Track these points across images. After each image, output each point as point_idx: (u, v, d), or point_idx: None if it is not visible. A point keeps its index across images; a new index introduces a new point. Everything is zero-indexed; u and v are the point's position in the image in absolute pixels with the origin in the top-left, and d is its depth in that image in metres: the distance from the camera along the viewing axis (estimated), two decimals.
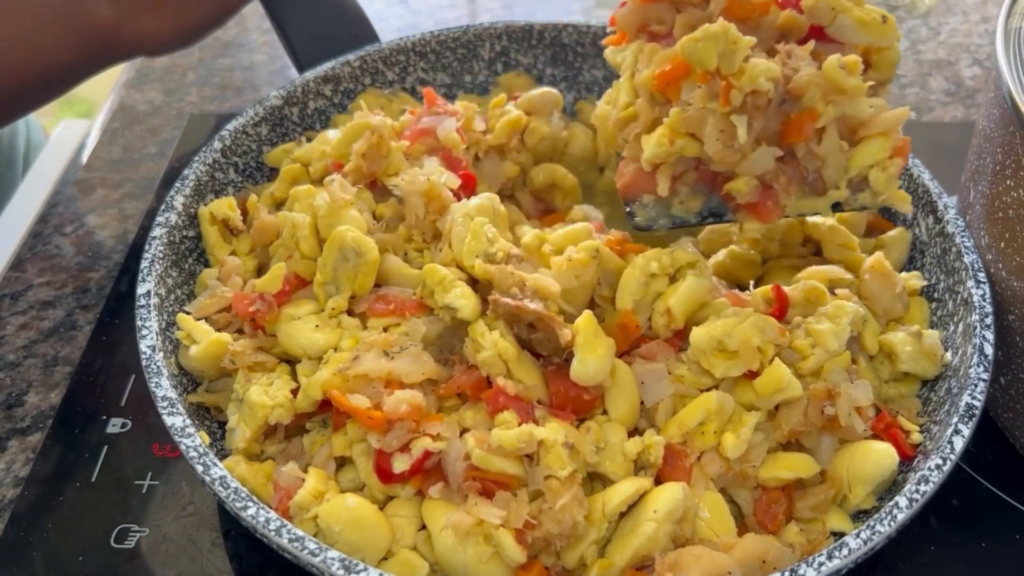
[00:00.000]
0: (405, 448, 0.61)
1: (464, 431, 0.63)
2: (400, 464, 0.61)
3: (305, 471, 0.64)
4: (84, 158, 1.06)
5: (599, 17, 1.28)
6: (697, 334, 0.65)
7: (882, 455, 0.64)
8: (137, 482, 0.73)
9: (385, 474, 0.61)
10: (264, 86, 1.19)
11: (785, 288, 0.70)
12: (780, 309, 0.69)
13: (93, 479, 0.74)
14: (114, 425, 0.77)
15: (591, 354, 0.63)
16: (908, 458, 0.65)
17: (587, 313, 0.64)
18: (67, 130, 1.17)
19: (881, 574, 0.69)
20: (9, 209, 1.05)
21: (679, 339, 0.68)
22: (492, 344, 0.63)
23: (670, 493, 0.61)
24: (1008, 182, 0.68)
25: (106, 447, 0.76)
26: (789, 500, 0.64)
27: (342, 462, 0.65)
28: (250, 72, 1.21)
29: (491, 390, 0.63)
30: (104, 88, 1.20)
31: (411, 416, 0.61)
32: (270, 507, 0.60)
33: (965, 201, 0.77)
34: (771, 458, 0.65)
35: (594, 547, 0.61)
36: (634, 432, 0.65)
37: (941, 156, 1.02)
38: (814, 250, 0.78)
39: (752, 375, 0.65)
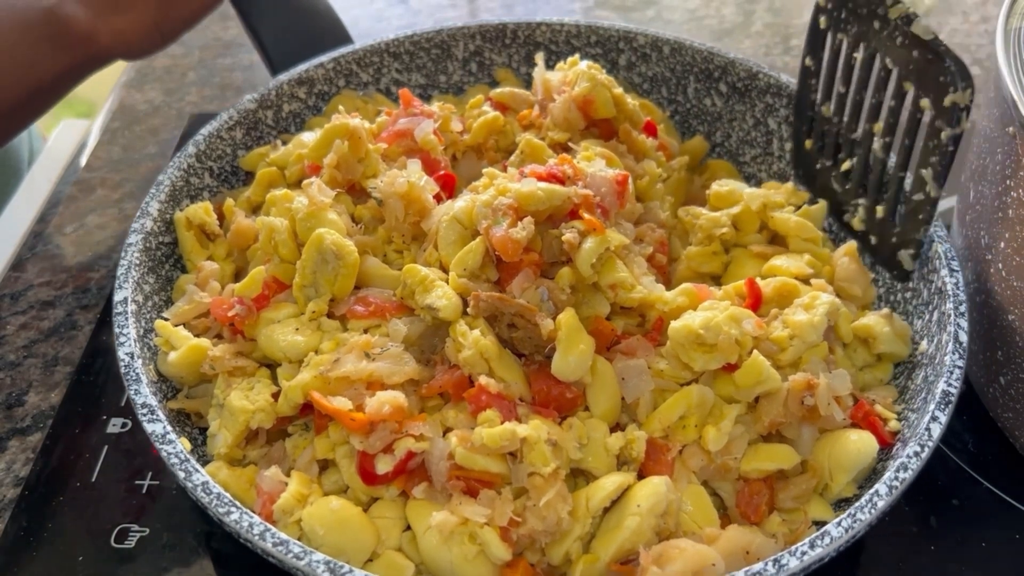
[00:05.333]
0: (388, 449, 0.58)
1: (447, 431, 0.60)
2: (383, 465, 0.58)
3: (288, 475, 0.60)
4: (84, 158, 1.02)
5: (599, 17, 1.28)
6: (675, 328, 0.62)
7: (861, 443, 0.62)
8: (137, 482, 0.70)
9: (368, 476, 0.59)
10: (264, 86, 1.19)
11: (758, 282, 0.67)
12: (754, 304, 0.66)
13: (93, 479, 0.70)
14: (114, 425, 0.74)
15: (572, 349, 0.60)
16: (887, 445, 0.63)
17: (569, 310, 0.61)
18: (67, 130, 1.12)
19: (881, 574, 0.66)
20: (9, 209, 1.00)
21: (658, 334, 0.65)
22: (473, 343, 0.60)
23: (653, 487, 0.58)
24: (1008, 182, 0.65)
25: (106, 447, 0.73)
26: (771, 491, 0.62)
27: (325, 465, 0.62)
28: (250, 72, 1.17)
29: (473, 389, 0.60)
30: (104, 88, 1.16)
31: (394, 417, 0.58)
32: (253, 512, 0.57)
33: (965, 201, 0.73)
34: (752, 450, 0.63)
35: (579, 543, 0.58)
36: (616, 428, 0.63)
37: None
38: (770, 237, 0.75)
39: (731, 368, 0.62)
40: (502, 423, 0.59)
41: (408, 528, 0.60)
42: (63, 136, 1.12)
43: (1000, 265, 0.67)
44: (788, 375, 0.63)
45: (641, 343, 0.64)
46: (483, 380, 0.60)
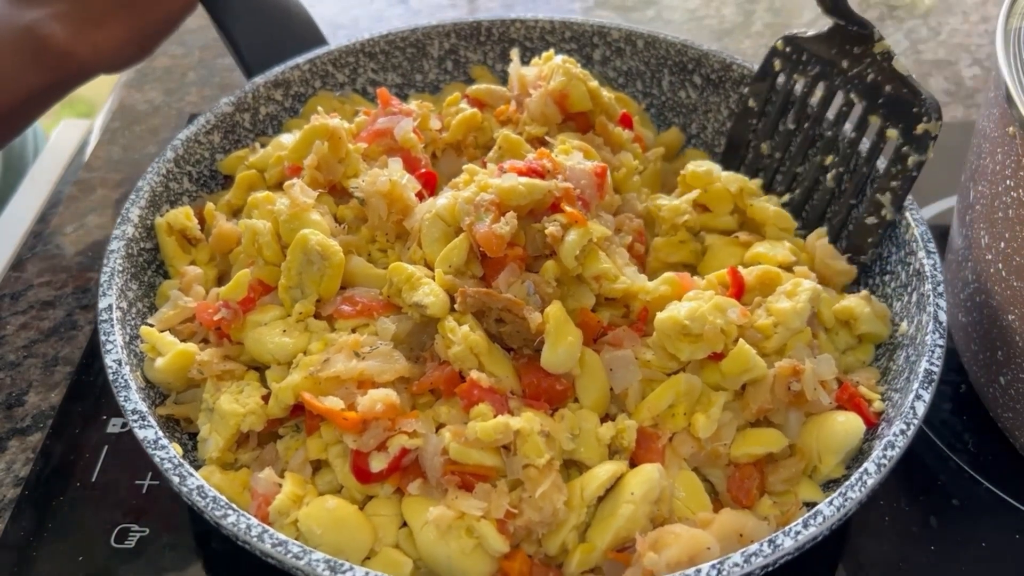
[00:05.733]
0: (382, 447, 0.56)
1: (440, 427, 0.58)
2: (378, 463, 0.56)
3: (281, 476, 0.58)
4: (84, 158, 1.00)
5: (598, 17, 1.28)
6: (661, 320, 0.60)
7: (848, 424, 0.60)
8: (137, 482, 0.68)
9: (363, 474, 0.57)
10: (240, 89, 1.18)
11: (740, 271, 0.65)
12: (737, 292, 0.65)
13: (93, 479, 0.68)
14: (114, 425, 0.72)
15: (561, 341, 0.58)
16: (872, 426, 0.61)
17: (556, 303, 0.60)
18: (67, 130, 1.10)
19: (882, 574, 0.65)
20: (9, 209, 0.98)
21: (643, 324, 0.63)
22: (463, 338, 0.58)
23: (646, 475, 0.57)
24: (1008, 182, 0.63)
25: (106, 447, 0.71)
26: (761, 475, 0.61)
27: (318, 466, 0.59)
28: None
29: (465, 384, 0.58)
30: (104, 88, 1.13)
31: (386, 415, 0.57)
32: (249, 514, 0.55)
33: (965, 201, 0.71)
34: (741, 435, 0.61)
35: (575, 532, 0.57)
36: (606, 418, 0.61)
37: (941, 156, 0.98)
38: (740, 223, 0.73)
39: (718, 357, 0.60)
40: (494, 417, 0.57)
41: (404, 525, 0.57)
42: (63, 136, 1.10)
43: (1000, 265, 0.66)
44: (774, 362, 0.61)
45: (627, 334, 0.62)
46: (474, 375, 0.58)
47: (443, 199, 0.63)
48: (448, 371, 0.60)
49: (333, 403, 0.58)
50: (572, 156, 0.67)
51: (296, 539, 0.54)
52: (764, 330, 0.63)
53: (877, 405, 0.63)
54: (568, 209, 0.62)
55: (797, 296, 0.64)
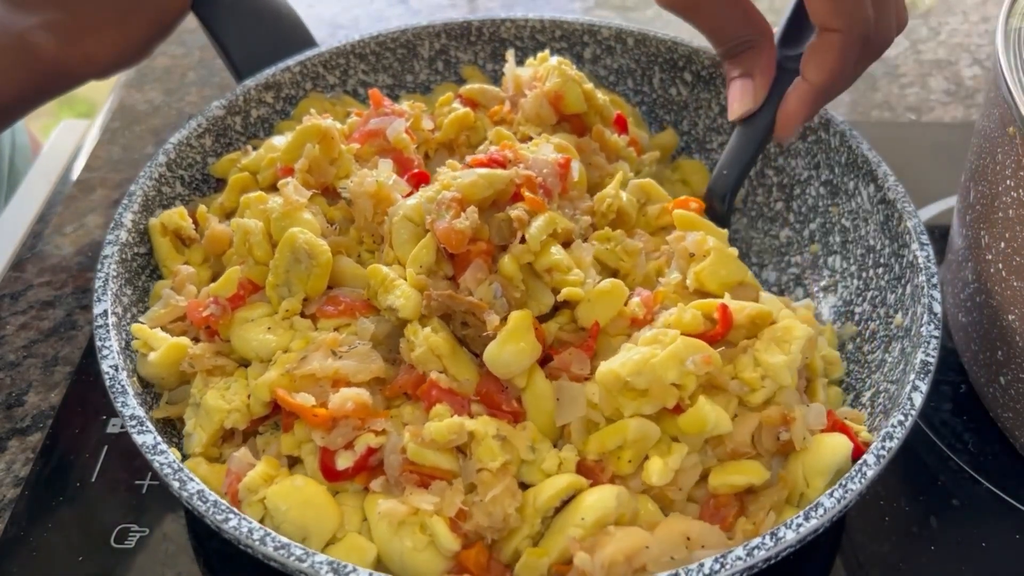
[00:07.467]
0: (349, 445, 0.57)
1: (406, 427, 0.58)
2: (344, 461, 0.57)
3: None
4: (84, 158, 1.01)
5: (598, 17, 1.28)
6: (602, 373, 0.57)
7: (836, 445, 0.58)
8: (137, 482, 0.69)
9: (330, 472, 0.57)
10: (231, 91, 1.18)
11: (731, 306, 0.60)
12: (724, 330, 0.60)
13: (93, 479, 0.70)
14: (114, 425, 0.73)
15: (511, 343, 0.58)
16: (860, 453, 0.59)
17: (525, 311, 0.60)
18: (67, 130, 1.11)
19: (882, 574, 0.66)
20: (9, 209, 0.99)
21: (593, 341, 0.61)
22: (424, 340, 0.59)
23: (602, 500, 0.55)
24: (1008, 182, 0.64)
25: (106, 447, 0.72)
26: (740, 504, 0.58)
27: (293, 463, 0.61)
28: None
29: (425, 384, 0.59)
30: (104, 88, 1.15)
31: (356, 414, 0.57)
32: (220, 492, 0.57)
33: (965, 201, 0.72)
34: (720, 466, 0.58)
35: (528, 542, 0.56)
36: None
37: (941, 156, 0.96)
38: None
39: (676, 409, 0.57)
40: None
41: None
42: (63, 136, 1.11)
43: (1000, 265, 0.67)
44: (760, 409, 0.59)
45: (576, 356, 0.60)
46: (434, 375, 0.58)
47: (411, 200, 0.64)
48: (416, 374, 0.60)
49: (305, 400, 0.58)
50: (541, 147, 0.67)
51: (262, 518, 0.56)
52: (751, 383, 0.59)
53: (864, 435, 0.61)
54: (528, 195, 0.62)
55: (787, 343, 0.59)
